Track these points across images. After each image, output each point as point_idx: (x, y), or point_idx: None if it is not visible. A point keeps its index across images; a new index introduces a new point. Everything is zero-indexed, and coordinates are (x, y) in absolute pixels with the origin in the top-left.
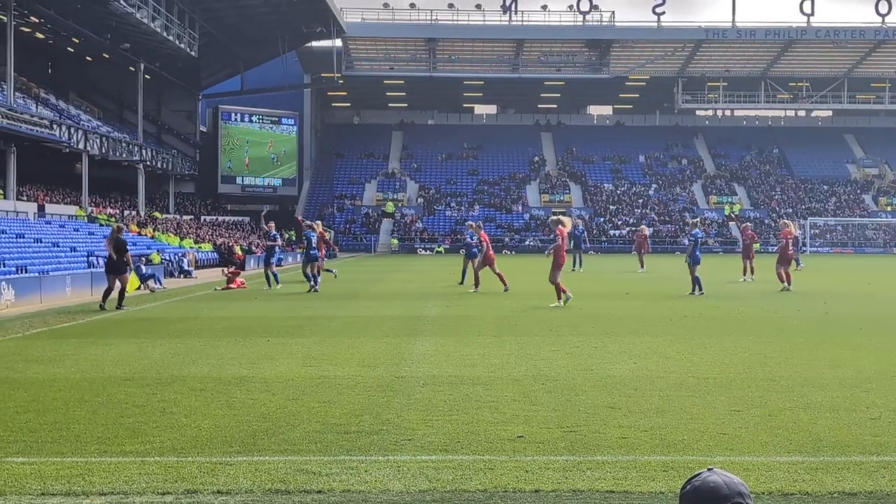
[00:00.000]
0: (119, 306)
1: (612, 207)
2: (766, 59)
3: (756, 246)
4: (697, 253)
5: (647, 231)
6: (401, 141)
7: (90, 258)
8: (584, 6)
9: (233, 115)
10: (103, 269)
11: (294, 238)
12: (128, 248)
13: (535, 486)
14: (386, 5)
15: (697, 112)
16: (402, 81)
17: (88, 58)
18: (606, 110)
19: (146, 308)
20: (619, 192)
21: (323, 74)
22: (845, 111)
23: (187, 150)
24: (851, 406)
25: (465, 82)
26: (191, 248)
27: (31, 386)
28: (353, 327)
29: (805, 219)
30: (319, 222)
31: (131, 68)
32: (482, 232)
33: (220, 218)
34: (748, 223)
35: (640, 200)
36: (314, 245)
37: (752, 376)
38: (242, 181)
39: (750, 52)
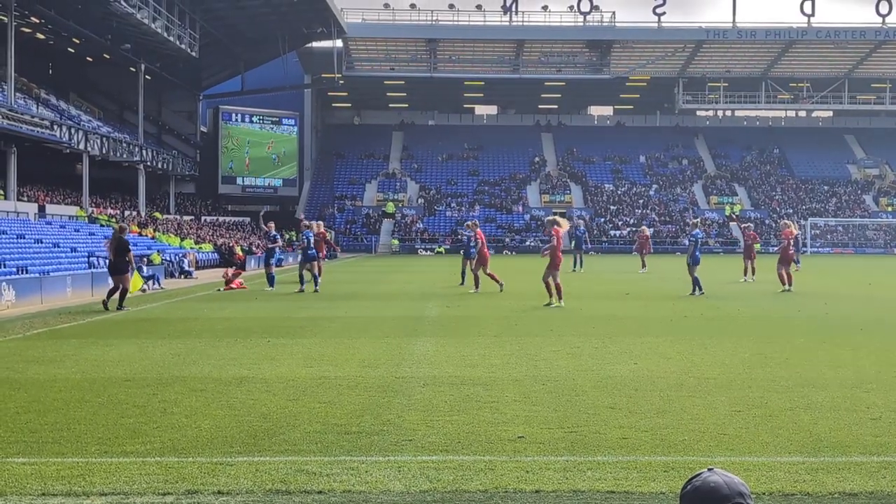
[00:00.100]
0: (120, 307)
1: (612, 208)
2: (767, 60)
3: (757, 246)
4: (697, 253)
5: (648, 231)
6: (401, 141)
7: (91, 259)
8: (585, 7)
9: (233, 115)
10: (106, 270)
11: (294, 238)
12: (130, 248)
13: (536, 486)
14: (386, 6)
15: (698, 112)
16: (403, 82)
17: (89, 58)
18: (607, 111)
19: (147, 308)
20: (619, 192)
21: (323, 75)
22: (846, 112)
23: (188, 150)
24: (852, 406)
25: (466, 83)
26: (191, 248)
27: (31, 386)
28: (353, 328)
29: (805, 219)
30: (321, 223)
31: (132, 69)
32: (479, 230)
33: (221, 218)
34: (750, 223)
35: (641, 201)
36: (311, 245)
37: (752, 377)
38: (243, 182)
39: (750, 53)
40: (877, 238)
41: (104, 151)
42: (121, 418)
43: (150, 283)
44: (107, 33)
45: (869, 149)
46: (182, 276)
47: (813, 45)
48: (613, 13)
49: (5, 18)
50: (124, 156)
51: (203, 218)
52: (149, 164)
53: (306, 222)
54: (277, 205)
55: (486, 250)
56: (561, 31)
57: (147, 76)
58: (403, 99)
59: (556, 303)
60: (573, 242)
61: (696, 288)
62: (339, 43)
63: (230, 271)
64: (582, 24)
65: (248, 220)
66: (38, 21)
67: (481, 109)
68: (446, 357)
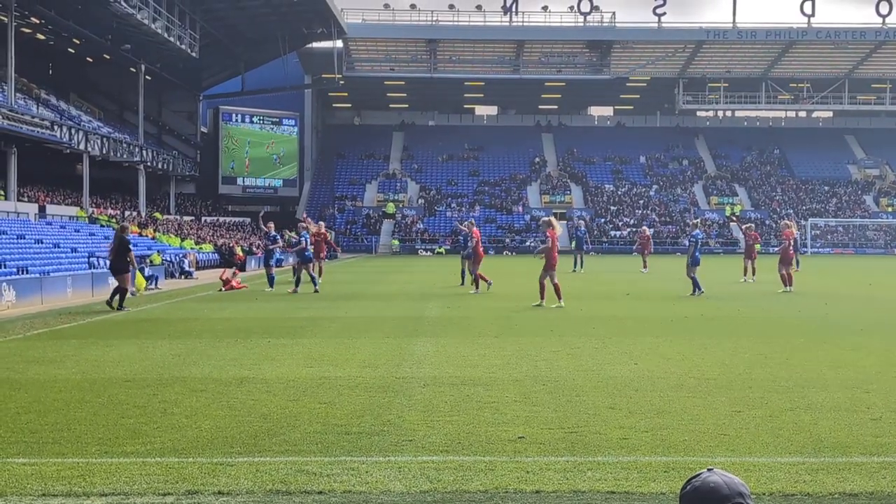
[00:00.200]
0: (120, 307)
1: (612, 208)
2: (767, 60)
3: (757, 247)
4: (697, 254)
5: (649, 232)
6: (401, 142)
7: (91, 259)
8: (585, 7)
9: (233, 115)
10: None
11: (293, 239)
12: (131, 247)
13: (536, 486)
14: (386, 6)
15: (698, 113)
16: (403, 82)
17: (89, 59)
18: (607, 111)
19: (147, 309)
20: (619, 192)
21: (324, 75)
22: (846, 112)
23: (188, 150)
24: (852, 407)
25: (466, 83)
26: (192, 248)
27: (31, 387)
28: (353, 328)
29: (806, 220)
30: (321, 223)
31: (132, 69)
32: (475, 229)
33: (221, 219)
34: (751, 224)
35: (641, 201)
36: (308, 245)
37: (752, 377)
38: (243, 182)
39: (751, 53)
40: (877, 238)
41: (104, 152)
42: (121, 419)
43: (150, 283)
44: (107, 34)
45: (869, 149)
46: (182, 277)
47: (813, 45)
48: (613, 13)
49: (5, 19)
50: (124, 156)
51: (203, 218)
52: (149, 164)
53: (303, 223)
54: (278, 205)
55: (480, 249)
56: (561, 32)
57: (147, 76)
58: (404, 99)
59: (555, 303)
60: (574, 243)
61: (696, 288)
62: (339, 43)
63: (226, 273)
64: (582, 24)
65: (248, 220)
66: (38, 21)
67: (481, 110)
68: (446, 357)
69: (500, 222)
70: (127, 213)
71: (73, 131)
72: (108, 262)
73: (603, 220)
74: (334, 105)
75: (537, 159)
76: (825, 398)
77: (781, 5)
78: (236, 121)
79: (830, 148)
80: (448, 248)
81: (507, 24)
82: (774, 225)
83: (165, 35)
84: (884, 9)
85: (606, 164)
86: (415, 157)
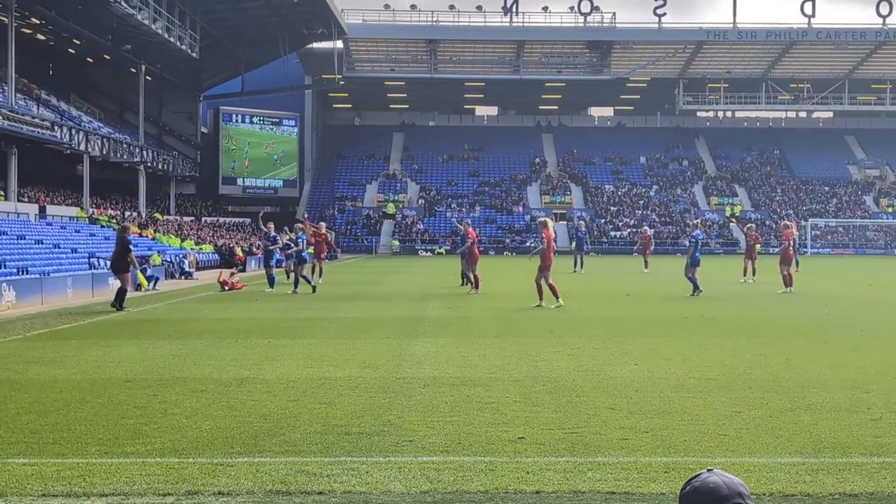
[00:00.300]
0: (120, 307)
1: (612, 209)
2: (767, 61)
3: (758, 247)
4: (697, 255)
5: (650, 232)
6: (402, 142)
7: (91, 259)
8: (585, 7)
9: (234, 116)
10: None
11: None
12: (132, 247)
13: (537, 487)
14: (387, 6)
15: (698, 113)
16: (403, 83)
17: (89, 59)
18: (607, 111)
19: (147, 309)
20: (619, 193)
21: (324, 76)
22: (846, 112)
23: (188, 151)
24: (852, 407)
25: (466, 83)
26: (192, 249)
27: (32, 387)
28: (353, 328)
29: (806, 220)
30: (322, 224)
31: (132, 70)
32: (470, 229)
33: (221, 219)
34: (752, 224)
35: (641, 202)
36: (303, 246)
37: (752, 377)
38: (243, 182)
39: (751, 54)
40: (877, 239)
41: (105, 152)
42: (121, 419)
43: (150, 283)
44: (107, 34)
45: (869, 149)
46: (182, 277)
47: (813, 45)
48: (614, 14)
49: (6, 19)
50: (125, 157)
51: (203, 219)
52: (149, 164)
53: (300, 224)
54: (278, 206)
55: (475, 249)
56: (561, 32)
57: (147, 77)
58: (404, 100)
59: (554, 303)
60: (574, 243)
61: (695, 289)
62: (339, 44)
63: (223, 275)
64: (582, 24)
65: (248, 220)
66: (38, 22)
67: (482, 110)
68: (447, 358)
69: (500, 223)
70: (127, 213)
71: (73, 132)
72: (108, 262)
73: (603, 220)
74: (334, 105)
75: (537, 160)
76: (825, 398)
77: (781, 6)
78: (236, 121)
79: (830, 148)
80: (448, 248)
81: (508, 24)
82: (774, 225)
83: (166, 35)
84: (884, 9)
85: (606, 164)
86: (415, 157)
